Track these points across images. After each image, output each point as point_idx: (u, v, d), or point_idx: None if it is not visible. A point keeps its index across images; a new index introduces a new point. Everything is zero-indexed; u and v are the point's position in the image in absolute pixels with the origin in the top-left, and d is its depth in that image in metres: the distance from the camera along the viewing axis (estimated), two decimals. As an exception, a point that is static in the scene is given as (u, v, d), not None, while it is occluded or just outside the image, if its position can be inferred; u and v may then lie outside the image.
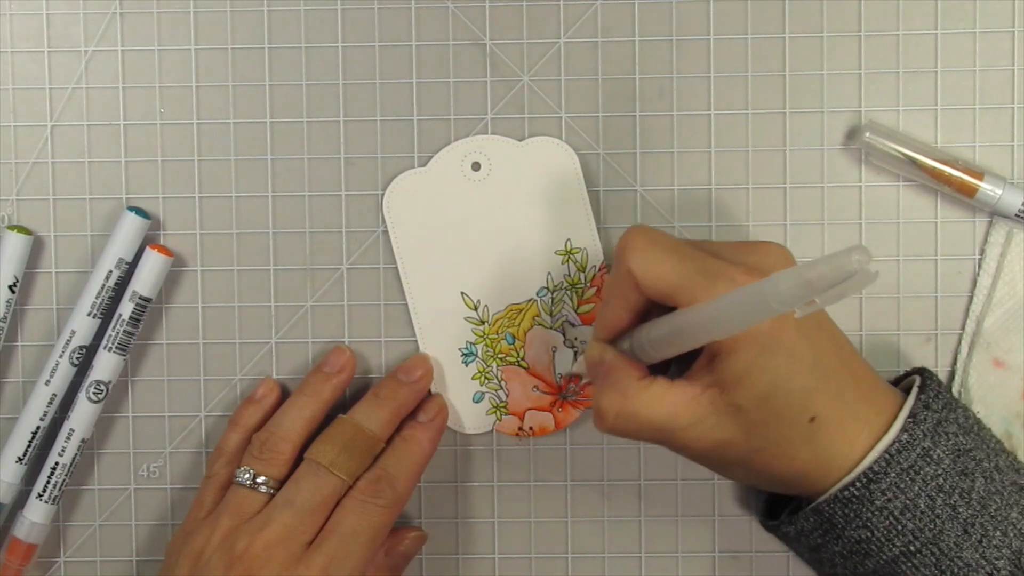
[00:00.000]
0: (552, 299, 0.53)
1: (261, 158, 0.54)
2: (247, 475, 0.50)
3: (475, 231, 0.53)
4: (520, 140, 0.53)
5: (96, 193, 0.54)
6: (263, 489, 0.50)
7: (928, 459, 0.46)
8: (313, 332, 0.54)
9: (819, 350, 0.45)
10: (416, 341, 0.54)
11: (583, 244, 0.53)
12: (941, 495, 0.45)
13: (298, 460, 0.51)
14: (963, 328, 0.54)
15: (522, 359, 0.54)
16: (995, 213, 0.52)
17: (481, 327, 0.53)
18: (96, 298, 0.52)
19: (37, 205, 0.54)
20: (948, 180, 0.52)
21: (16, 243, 0.53)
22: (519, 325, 0.53)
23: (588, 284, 0.53)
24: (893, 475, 0.45)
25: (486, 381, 0.54)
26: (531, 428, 0.54)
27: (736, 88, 0.53)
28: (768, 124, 0.53)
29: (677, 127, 0.54)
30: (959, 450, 0.46)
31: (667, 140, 0.53)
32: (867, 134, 0.52)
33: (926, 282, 0.54)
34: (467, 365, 0.54)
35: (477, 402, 0.54)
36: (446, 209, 0.53)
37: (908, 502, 0.45)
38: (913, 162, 0.51)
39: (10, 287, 0.53)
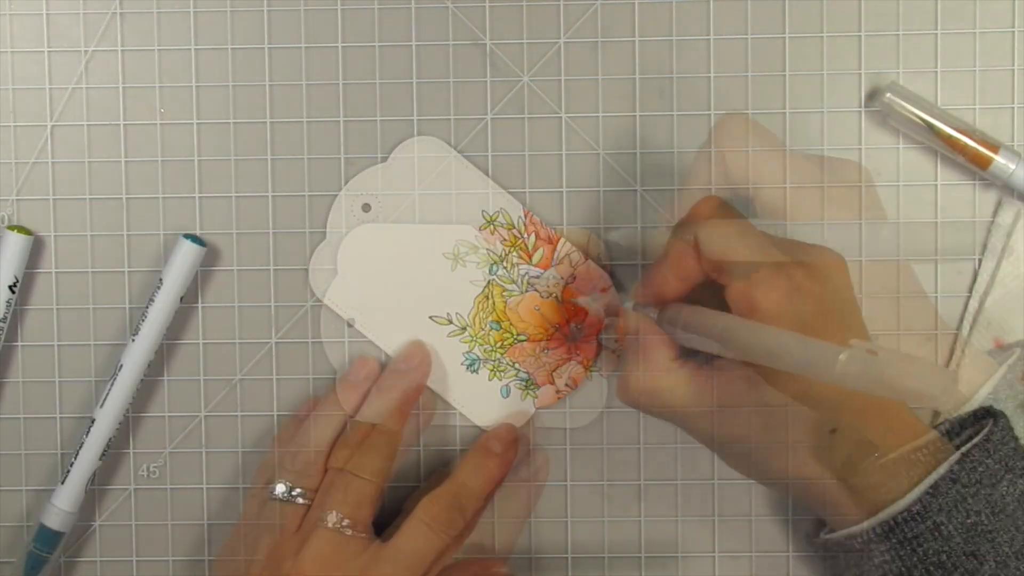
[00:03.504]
0: (505, 267, 0.53)
1: (261, 158, 0.54)
2: (282, 489, 0.50)
3: (401, 262, 0.53)
4: (386, 158, 0.53)
5: (96, 193, 0.54)
6: (300, 501, 0.50)
7: (936, 534, 0.44)
8: (313, 332, 0.54)
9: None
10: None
11: (497, 207, 0.53)
12: (940, 571, 0.44)
13: None
14: (966, 307, 0.54)
15: (517, 335, 0.54)
16: (1007, 187, 0.52)
17: (465, 332, 0.53)
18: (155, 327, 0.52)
19: (37, 205, 0.54)
20: (963, 149, 0.52)
21: (16, 243, 0.53)
22: (494, 309, 0.53)
23: (526, 233, 0.53)
24: (894, 540, 0.44)
25: (502, 374, 0.54)
26: (567, 385, 0.54)
27: (736, 88, 0.53)
28: (768, 124, 0.53)
29: (677, 127, 0.53)
30: (976, 529, 0.44)
31: (667, 140, 0.53)
32: (888, 95, 0.52)
33: (926, 282, 0.54)
34: (477, 372, 0.54)
35: (506, 396, 0.54)
36: (366, 259, 0.53)
37: (903, 570, 0.44)
38: (931, 128, 0.51)
39: (10, 287, 0.53)
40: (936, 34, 0.53)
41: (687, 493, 0.54)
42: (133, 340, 0.52)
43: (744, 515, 0.54)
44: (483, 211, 0.53)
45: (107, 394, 0.52)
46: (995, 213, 0.53)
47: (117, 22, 0.54)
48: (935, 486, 0.44)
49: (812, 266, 0.44)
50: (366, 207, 0.53)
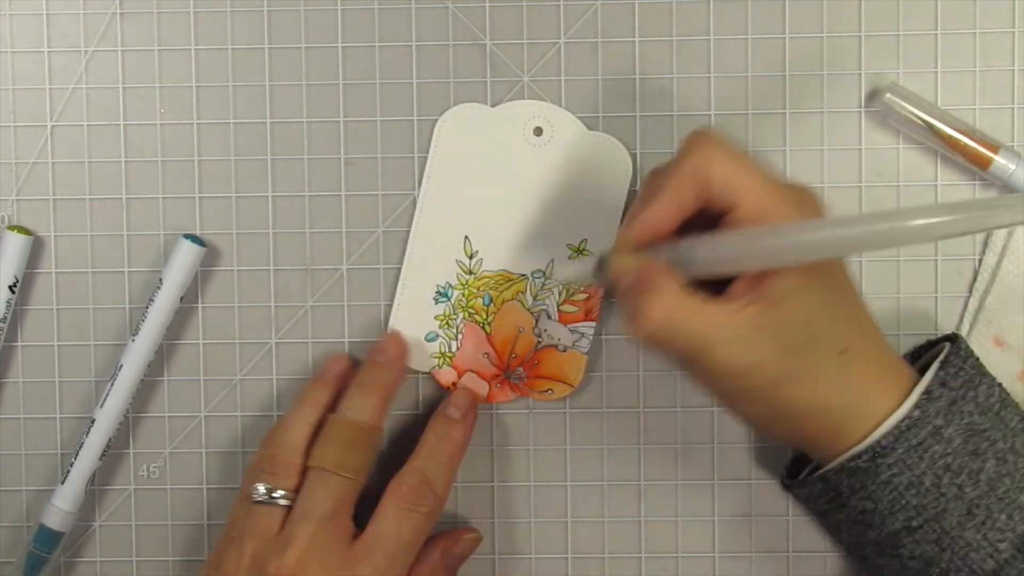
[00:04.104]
0: (543, 285, 0.53)
1: (261, 158, 0.54)
2: (262, 490, 0.49)
3: (507, 187, 0.53)
4: (588, 129, 0.53)
5: (96, 193, 0.54)
6: (281, 502, 0.49)
7: (938, 437, 0.45)
8: (313, 332, 0.54)
9: (857, 293, 0.46)
10: (400, 268, 0.54)
11: (595, 250, 0.53)
12: (948, 474, 0.45)
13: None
14: (966, 305, 0.54)
15: (488, 323, 0.54)
16: (1007, 187, 0.52)
17: (468, 276, 0.53)
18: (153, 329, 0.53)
19: (37, 205, 0.54)
20: (963, 149, 0.52)
21: (16, 243, 0.53)
22: (501, 292, 0.53)
23: (581, 288, 0.53)
24: (900, 451, 0.45)
25: (446, 327, 0.54)
26: (455, 384, 0.54)
27: (736, 88, 0.53)
28: (768, 124, 0.53)
29: (677, 127, 0.53)
30: (972, 430, 0.46)
31: (667, 140, 0.53)
32: (888, 95, 0.52)
33: (926, 282, 0.54)
34: (436, 303, 0.53)
35: (429, 341, 0.54)
36: (492, 156, 0.53)
37: (914, 479, 0.45)
38: (930, 128, 0.51)
39: (10, 287, 0.53)
40: (936, 34, 0.53)
41: (687, 493, 0.54)
42: (133, 340, 0.52)
43: (744, 515, 0.54)
44: (585, 240, 0.53)
45: (107, 394, 0.52)
46: (995, 213, 0.53)
47: (117, 22, 0.54)
48: (927, 391, 0.46)
49: (801, 188, 0.46)
50: (538, 130, 0.53)
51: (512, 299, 0.53)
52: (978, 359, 0.48)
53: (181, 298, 0.53)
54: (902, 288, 0.54)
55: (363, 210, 0.54)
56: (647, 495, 0.55)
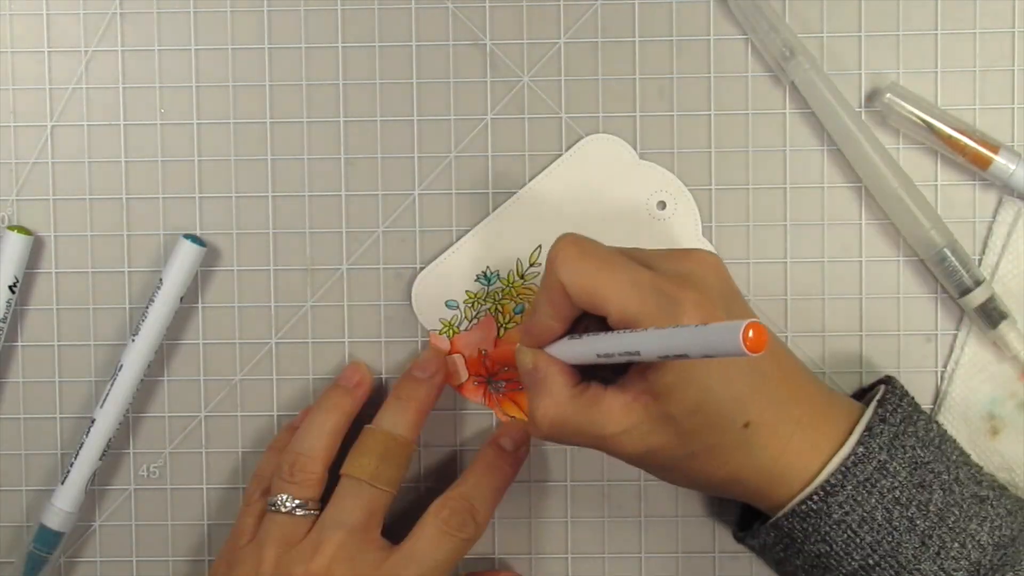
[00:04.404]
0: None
1: (261, 158, 0.54)
2: (284, 500, 0.49)
3: (604, 231, 0.51)
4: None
5: (96, 193, 0.54)
6: (300, 512, 0.49)
7: (884, 472, 0.46)
8: (313, 332, 0.54)
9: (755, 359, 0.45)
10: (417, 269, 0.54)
11: None
12: (898, 507, 0.46)
13: (329, 478, 0.50)
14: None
15: (506, 328, 0.54)
16: (1007, 187, 0.52)
17: (518, 279, 0.53)
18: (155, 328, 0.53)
19: (37, 205, 0.54)
20: (963, 149, 0.52)
21: (16, 243, 0.53)
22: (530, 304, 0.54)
23: None
24: (850, 488, 0.46)
25: (470, 306, 0.54)
26: (456, 380, 0.54)
27: (736, 88, 0.53)
28: (768, 124, 0.53)
29: (677, 127, 0.53)
30: (916, 463, 0.46)
31: (667, 140, 0.53)
32: (888, 95, 0.52)
33: (925, 282, 0.54)
34: (476, 281, 0.54)
35: (449, 307, 0.54)
36: (606, 192, 0.53)
37: (865, 515, 0.46)
38: (930, 128, 0.52)
39: (10, 287, 0.53)
40: (936, 34, 0.53)
41: (687, 493, 0.54)
42: (133, 340, 0.52)
43: (744, 515, 0.54)
44: None
45: (107, 394, 0.52)
46: (995, 213, 0.53)
47: (117, 22, 0.54)
48: (868, 428, 0.46)
49: (684, 276, 0.45)
50: (661, 204, 0.53)
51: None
52: (913, 398, 0.49)
53: (181, 298, 0.53)
54: (902, 288, 0.54)
55: (363, 210, 0.54)
56: (647, 495, 0.55)
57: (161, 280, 0.52)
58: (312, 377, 0.54)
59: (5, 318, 0.53)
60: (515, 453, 0.52)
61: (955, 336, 0.54)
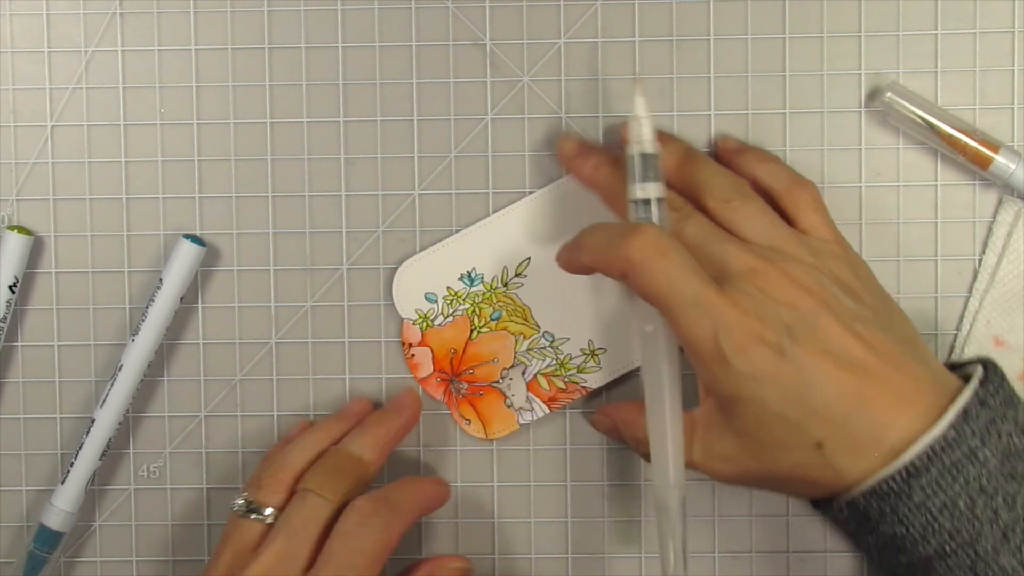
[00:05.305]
0: (545, 346, 0.54)
1: (261, 158, 0.54)
2: (242, 503, 0.49)
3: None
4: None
5: (96, 193, 0.54)
6: (256, 516, 0.49)
7: (974, 459, 0.44)
8: (313, 332, 0.54)
9: (810, 375, 0.45)
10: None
11: (607, 346, 0.54)
12: (983, 497, 0.44)
13: None
14: (966, 305, 0.53)
15: (479, 331, 0.54)
16: (1007, 186, 0.52)
17: (500, 286, 0.53)
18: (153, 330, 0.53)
19: (37, 205, 0.54)
20: (963, 149, 0.52)
21: (16, 243, 0.53)
22: (510, 321, 0.53)
23: (566, 383, 0.54)
24: (935, 472, 0.44)
25: (447, 303, 0.53)
26: (410, 345, 0.54)
27: (736, 88, 0.53)
28: (768, 124, 0.53)
29: (677, 127, 0.53)
30: (1010, 452, 0.44)
31: (667, 140, 0.53)
32: (888, 94, 0.52)
33: (926, 282, 0.54)
34: (458, 279, 0.54)
35: (427, 300, 0.54)
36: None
37: (947, 501, 0.44)
38: (931, 127, 0.51)
39: (10, 287, 0.53)
40: (936, 34, 0.53)
41: (688, 493, 0.54)
42: (133, 340, 0.52)
43: (744, 515, 0.54)
44: (590, 340, 0.54)
45: (107, 394, 0.52)
46: (995, 212, 0.53)
47: (117, 22, 0.54)
48: (964, 411, 0.44)
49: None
50: None
51: (513, 334, 0.53)
52: (1010, 383, 0.47)
53: (181, 298, 0.53)
54: (902, 288, 0.54)
55: (363, 210, 0.54)
56: (647, 495, 0.55)
57: (161, 280, 0.52)
58: (312, 377, 0.54)
59: (5, 318, 0.53)
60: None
61: (955, 336, 0.54)
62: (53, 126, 0.54)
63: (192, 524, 0.55)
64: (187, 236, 0.53)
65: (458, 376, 0.54)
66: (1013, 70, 0.53)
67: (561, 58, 0.53)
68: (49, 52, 0.54)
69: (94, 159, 0.54)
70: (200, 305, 0.54)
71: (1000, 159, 0.52)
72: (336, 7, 0.54)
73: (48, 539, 0.53)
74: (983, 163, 0.52)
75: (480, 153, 0.54)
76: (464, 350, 0.54)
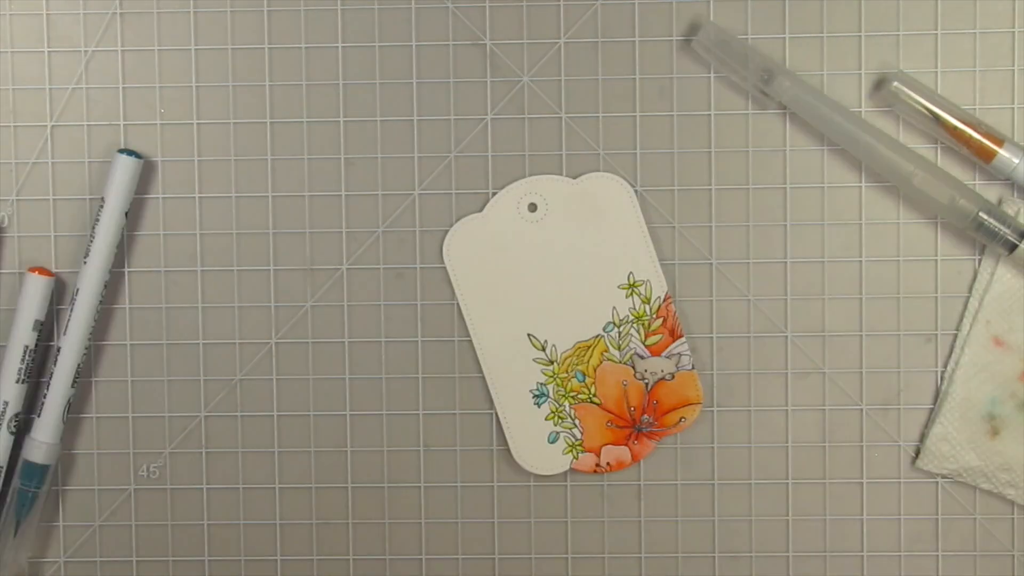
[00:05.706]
0: (619, 333, 0.53)
1: (261, 158, 0.54)
2: None
3: (536, 271, 0.53)
4: (574, 178, 0.53)
5: (96, 193, 0.54)
6: None
7: None
8: (313, 332, 0.54)
9: None
10: (485, 378, 0.54)
11: (645, 276, 0.53)
12: None
13: None
14: (965, 305, 0.53)
15: (594, 395, 0.53)
16: (1009, 181, 0.52)
17: (551, 367, 0.53)
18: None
19: (37, 205, 0.54)
20: (968, 141, 0.52)
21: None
22: (588, 362, 0.53)
23: (654, 316, 0.53)
24: None
25: (560, 421, 0.54)
26: (608, 464, 0.54)
27: (736, 88, 0.53)
28: (768, 124, 0.53)
29: (677, 127, 0.54)
30: None
31: (667, 141, 0.53)
32: (894, 83, 0.52)
33: (926, 282, 0.54)
34: (539, 406, 0.53)
35: (552, 443, 0.54)
36: (506, 251, 0.53)
37: None
38: (936, 118, 0.51)
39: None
40: (936, 34, 0.53)
41: (687, 493, 0.54)
42: (85, 262, 0.52)
43: (744, 515, 0.54)
44: (630, 273, 0.53)
45: (68, 321, 0.52)
46: (996, 212, 0.53)
47: (117, 22, 0.54)
48: None
49: None
50: (532, 207, 0.53)
51: (601, 363, 0.53)
52: None
53: (126, 213, 0.52)
54: (902, 288, 0.54)
55: (363, 210, 0.54)
56: (647, 495, 0.55)
57: (103, 199, 0.52)
58: (312, 377, 0.54)
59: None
60: None
61: (955, 336, 0.54)
62: (53, 126, 0.54)
63: (192, 524, 0.55)
64: (122, 151, 0.52)
65: (636, 423, 0.53)
66: (1013, 70, 0.53)
67: (561, 58, 0.53)
68: (49, 52, 0.54)
69: (94, 159, 0.54)
70: (200, 305, 0.54)
71: (1004, 152, 0.51)
72: (336, 7, 0.54)
73: (34, 473, 0.53)
74: (987, 156, 0.52)
75: (480, 153, 0.54)
76: (611, 412, 0.54)
